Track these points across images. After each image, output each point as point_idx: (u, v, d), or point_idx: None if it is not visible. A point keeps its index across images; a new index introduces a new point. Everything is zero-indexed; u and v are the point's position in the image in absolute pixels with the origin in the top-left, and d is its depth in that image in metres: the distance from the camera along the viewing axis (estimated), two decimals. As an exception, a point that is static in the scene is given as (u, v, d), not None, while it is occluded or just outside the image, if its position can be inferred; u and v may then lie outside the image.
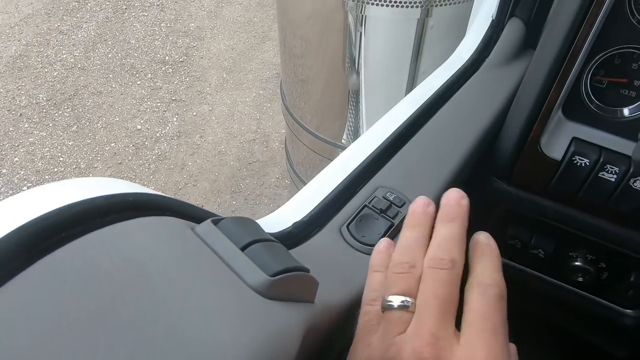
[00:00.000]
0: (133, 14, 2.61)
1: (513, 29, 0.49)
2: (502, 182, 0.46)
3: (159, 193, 0.23)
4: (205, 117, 2.21)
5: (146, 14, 2.61)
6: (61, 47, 2.43)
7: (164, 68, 2.37)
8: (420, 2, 0.65)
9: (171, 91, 2.28)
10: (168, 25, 2.56)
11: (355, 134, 0.89)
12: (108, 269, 0.17)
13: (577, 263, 0.46)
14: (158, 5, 2.66)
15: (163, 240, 0.20)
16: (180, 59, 2.41)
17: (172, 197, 0.24)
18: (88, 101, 2.21)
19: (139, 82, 2.30)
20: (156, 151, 2.08)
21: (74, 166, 1.97)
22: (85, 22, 2.56)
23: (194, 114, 2.22)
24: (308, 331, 0.23)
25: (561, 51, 0.39)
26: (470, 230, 0.29)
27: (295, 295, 0.24)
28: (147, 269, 0.18)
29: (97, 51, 2.42)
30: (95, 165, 1.99)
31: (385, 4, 0.67)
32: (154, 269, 0.18)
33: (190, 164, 2.06)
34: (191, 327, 0.18)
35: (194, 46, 2.47)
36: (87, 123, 2.12)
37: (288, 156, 1.32)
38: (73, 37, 2.48)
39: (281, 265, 0.22)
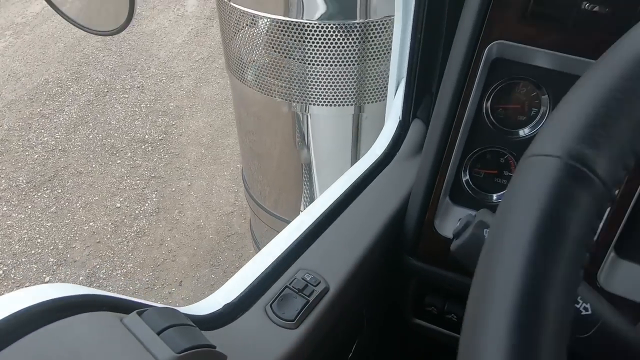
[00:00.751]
0: (114, 96, 2.78)
1: (416, 128, 0.61)
2: (411, 258, 0.55)
3: (98, 292, 0.32)
4: (184, 193, 2.31)
5: (127, 95, 2.79)
6: (43, 131, 2.56)
7: (143, 146, 2.49)
8: (353, 102, 0.79)
9: (150, 168, 2.39)
10: (148, 105, 2.72)
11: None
12: (52, 358, 0.26)
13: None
14: (138, 87, 2.84)
15: (95, 332, 0.28)
16: (160, 137, 2.54)
17: (110, 293, 0.33)
18: (68, 182, 2.30)
19: (118, 161, 2.41)
20: (135, 228, 2.15)
21: (52, 247, 2.02)
22: (67, 105, 2.72)
23: (173, 189, 2.32)
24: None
25: (439, 150, 0.49)
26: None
27: (203, 367, 0.32)
28: (82, 356, 0.27)
29: (78, 133, 2.55)
30: (74, 245, 2.05)
31: (325, 104, 0.80)
32: (87, 355, 0.27)
33: (169, 239, 2.12)
34: None
35: (173, 124, 2.62)
36: (67, 203, 2.20)
37: (252, 231, 1.41)
38: (55, 120, 2.62)
39: (188, 343, 0.31)
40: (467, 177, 0.51)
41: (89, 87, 2.85)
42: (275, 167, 0.97)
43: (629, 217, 0.45)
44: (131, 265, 2.03)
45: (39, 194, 2.24)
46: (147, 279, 1.97)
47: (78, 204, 2.21)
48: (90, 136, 2.53)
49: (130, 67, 2.99)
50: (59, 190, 2.26)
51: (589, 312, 0.30)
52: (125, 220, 2.17)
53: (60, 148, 2.47)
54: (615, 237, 0.46)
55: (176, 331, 0.31)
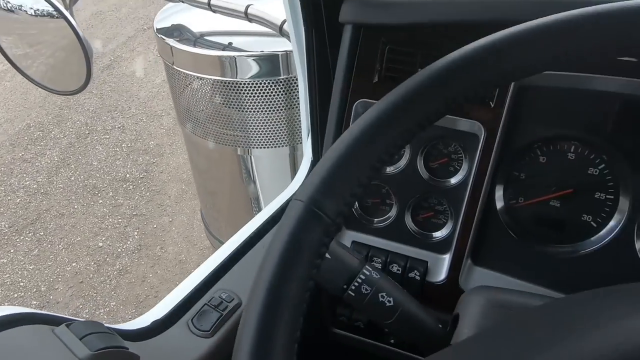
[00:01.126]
0: (95, 137, 2.93)
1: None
2: (319, 276, 0.68)
3: (36, 311, 0.44)
4: (165, 229, 2.42)
5: (108, 136, 2.94)
6: (25, 175, 2.70)
7: (124, 185, 2.62)
8: (287, 143, 0.94)
9: (132, 207, 2.51)
10: (129, 145, 2.87)
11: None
12: None
13: (386, 329, 0.67)
14: (119, 127, 3.00)
15: (30, 340, 0.41)
16: (141, 176, 2.68)
17: (47, 312, 0.45)
18: (50, 224, 2.42)
19: (100, 201, 2.54)
20: (117, 266, 2.25)
21: (34, 290, 2.13)
22: (49, 149, 2.86)
23: (155, 226, 2.44)
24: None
25: None
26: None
27: (118, 365, 0.44)
28: (19, 358, 0.39)
29: (60, 175, 2.68)
30: (56, 287, 2.15)
31: (264, 147, 0.95)
32: (23, 357, 0.39)
33: (151, 275, 2.22)
34: None
35: (154, 162, 2.76)
36: (49, 245, 2.32)
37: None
38: (37, 164, 2.76)
39: (104, 344, 0.43)
40: (357, 205, 0.64)
41: (71, 129, 3.00)
42: (227, 204, 1.11)
43: (476, 231, 0.58)
44: (114, 303, 2.13)
45: (22, 238, 2.36)
46: (129, 317, 2.07)
47: (60, 246, 2.32)
48: (72, 178, 2.67)
49: (111, 108, 3.15)
50: (42, 233, 2.38)
51: (392, 303, 0.43)
52: (107, 259, 2.28)
53: (42, 191, 2.60)
54: (467, 247, 0.59)
55: (96, 336, 0.44)
